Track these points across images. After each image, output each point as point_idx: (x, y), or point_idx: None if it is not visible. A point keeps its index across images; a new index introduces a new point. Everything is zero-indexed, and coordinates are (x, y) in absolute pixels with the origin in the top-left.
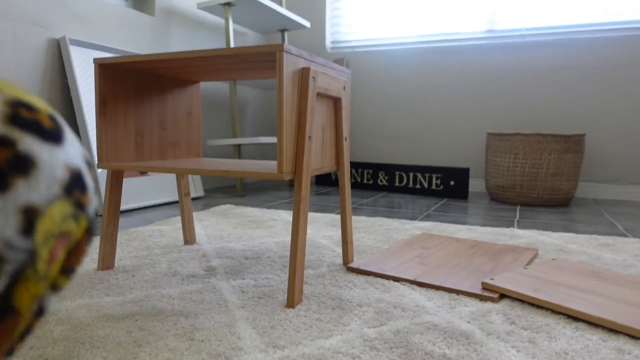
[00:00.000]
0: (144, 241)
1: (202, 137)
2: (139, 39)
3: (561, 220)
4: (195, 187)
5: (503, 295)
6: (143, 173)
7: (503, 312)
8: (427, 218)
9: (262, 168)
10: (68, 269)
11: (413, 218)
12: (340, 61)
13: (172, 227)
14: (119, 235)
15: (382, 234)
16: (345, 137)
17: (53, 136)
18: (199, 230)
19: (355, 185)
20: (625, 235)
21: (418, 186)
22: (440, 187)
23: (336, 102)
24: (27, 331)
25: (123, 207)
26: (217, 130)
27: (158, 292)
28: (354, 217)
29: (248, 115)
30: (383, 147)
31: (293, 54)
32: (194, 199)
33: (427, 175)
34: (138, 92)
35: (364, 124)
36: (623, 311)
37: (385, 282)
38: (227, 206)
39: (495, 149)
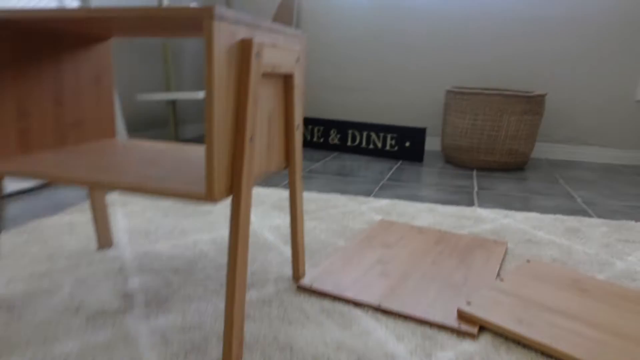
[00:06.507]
0: (47, 245)
1: (129, 91)
2: None
3: (519, 192)
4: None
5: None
6: None
7: (487, 357)
8: (383, 190)
9: (188, 179)
10: None
11: (368, 192)
12: (290, 2)
13: (86, 217)
14: (15, 232)
15: (336, 221)
16: (298, 125)
17: None
18: (120, 220)
19: (305, 144)
20: (587, 213)
21: (371, 146)
22: (395, 148)
23: (287, 79)
24: None
25: (29, 185)
26: (147, 82)
27: (49, 350)
28: (304, 193)
29: (186, 65)
30: (336, 100)
31: (229, 22)
32: None
33: (381, 134)
34: (17, 56)
35: (315, 74)
36: (620, 350)
37: (344, 309)
38: None
39: (455, 108)
